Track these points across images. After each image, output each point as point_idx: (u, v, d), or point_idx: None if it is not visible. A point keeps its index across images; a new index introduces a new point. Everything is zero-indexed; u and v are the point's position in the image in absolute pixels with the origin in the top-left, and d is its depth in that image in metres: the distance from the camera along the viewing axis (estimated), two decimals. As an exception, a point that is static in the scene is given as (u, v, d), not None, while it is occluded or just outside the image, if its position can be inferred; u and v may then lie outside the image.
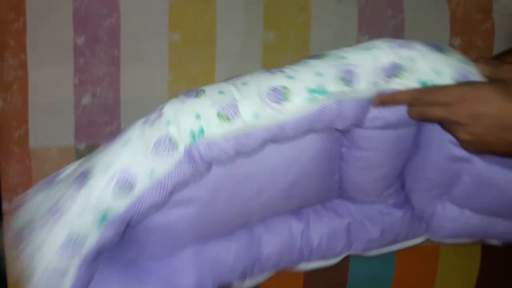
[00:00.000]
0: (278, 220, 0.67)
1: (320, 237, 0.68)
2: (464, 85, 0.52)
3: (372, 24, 0.83)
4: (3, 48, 0.81)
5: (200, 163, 0.51)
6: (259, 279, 0.68)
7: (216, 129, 0.50)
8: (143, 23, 0.81)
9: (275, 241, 0.66)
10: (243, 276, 0.65)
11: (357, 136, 0.59)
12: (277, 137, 0.53)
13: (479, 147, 0.53)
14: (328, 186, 0.66)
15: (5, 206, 0.82)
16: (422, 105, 0.53)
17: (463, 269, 0.85)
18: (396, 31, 0.83)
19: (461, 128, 0.52)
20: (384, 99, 0.54)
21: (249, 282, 0.67)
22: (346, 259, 0.83)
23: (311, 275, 0.84)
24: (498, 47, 0.82)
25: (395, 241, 0.70)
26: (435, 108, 0.52)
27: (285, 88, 0.52)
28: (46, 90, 0.81)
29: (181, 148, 0.50)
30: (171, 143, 0.50)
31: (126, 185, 0.49)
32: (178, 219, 0.59)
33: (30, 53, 0.81)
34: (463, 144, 0.54)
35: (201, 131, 0.50)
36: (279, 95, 0.51)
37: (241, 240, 0.65)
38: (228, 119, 0.50)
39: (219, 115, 0.51)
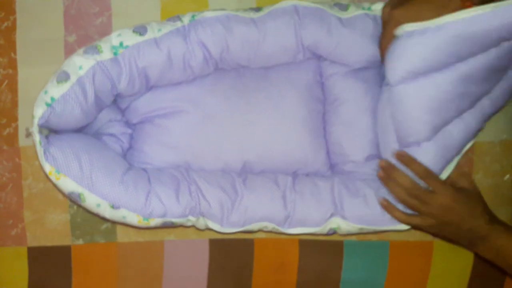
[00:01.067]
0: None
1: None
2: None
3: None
4: (-7, 46, 0.80)
5: (122, 59, 0.72)
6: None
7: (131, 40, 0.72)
8: (135, 22, 0.80)
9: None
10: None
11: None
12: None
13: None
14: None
15: (-6, 204, 0.82)
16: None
17: (456, 264, 0.85)
18: None
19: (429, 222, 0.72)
20: (403, 159, 0.72)
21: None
22: (340, 254, 0.83)
23: (304, 271, 0.83)
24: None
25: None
26: (420, 204, 0.71)
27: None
28: (36, 88, 0.80)
29: (106, 51, 0.71)
30: (97, 48, 0.71)
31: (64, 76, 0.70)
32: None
33: (20, 51, 0.81)
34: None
35: (121, 43, 0.72)
36: (175, 18, 0.75)
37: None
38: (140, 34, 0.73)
39: (133, 31, 0.73)
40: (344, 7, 0.77)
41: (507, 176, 0.85)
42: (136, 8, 0.81)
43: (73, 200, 0.73)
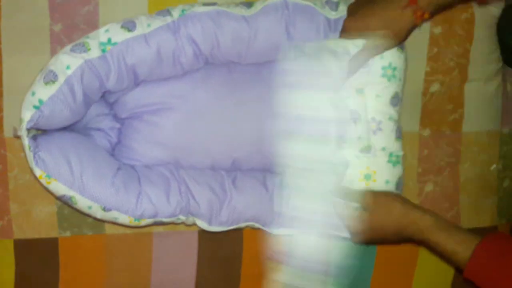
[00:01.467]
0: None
1: None
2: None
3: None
4: (-23, 35, 0.79)
5: (110, 57, 0.71)
6: None
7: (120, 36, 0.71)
8: (122, 10, 0.80)
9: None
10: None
11: None
12: None
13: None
14: None
15: (-21, 196, 0.81)
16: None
17: (440, 266, 0.86)
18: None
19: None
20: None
21: None
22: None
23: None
24: (478, 35, 0.82)
25: None
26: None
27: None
28: (22, 78, 0.79)
29: (94, 49, 0.70)
30: (84, 46, 0.69)
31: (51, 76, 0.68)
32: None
33: (5, 40, 0.79)
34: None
35: (109, 39, 0.70)
36: (165, 12, 0.73)
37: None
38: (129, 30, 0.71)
39: (122, 27, 0.71)
40: (335, 6, 0.75)
41: (494, 165, 0.86)
42: (123, -3, 0.80)
43: (65, 202, 0.72)
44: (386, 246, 0.84)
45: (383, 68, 0.73)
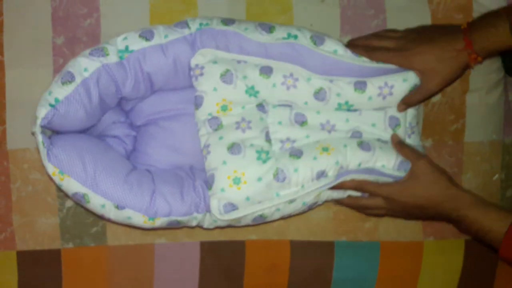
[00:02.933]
0: None
1: None
2: (393, 185, 0.74)
3: (354, 24, 0.83)
4: (-20, 48, 0.79)
5: (127, 64, 0.72)
6: None
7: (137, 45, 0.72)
8: (124, 23, 0.81)
9: None
10: None
11: None
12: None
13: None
14: None
15: (-18, 208, 0.81)
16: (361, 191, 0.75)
17: (447, 264, 0.86)
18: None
19: (387, 212, 0.77)
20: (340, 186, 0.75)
21: None
22: (331, 255, 0.84)
23: (295, 272, 0.84)
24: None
25: None
26: (369, 199, 0.76)
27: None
28: (24, 91, 0.80)
29: (112, 55, 0.71)
30: (103, 51, 0.71)
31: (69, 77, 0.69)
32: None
33: (7, 53, 0.80)
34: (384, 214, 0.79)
35: (127, 47, 0.72)
36: (183, 24, 0.74)
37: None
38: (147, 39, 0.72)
39: (139, 36, 0.72)
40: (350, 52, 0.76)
41: (496, 175, 0.86)
42: (125, 10, 0.81)
43: (77, 201, 0.72)
44: (389, 258, 0.84)
45: None
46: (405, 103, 0.76)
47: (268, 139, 0.74)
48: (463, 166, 0.85)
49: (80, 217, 0.81)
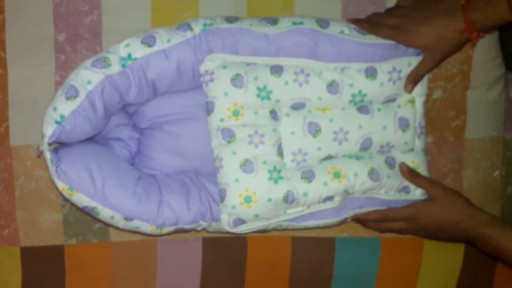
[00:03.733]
0: None
1: None
2: (413, 206, 0.77)
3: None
4: (-18, 45, 0.80)
5: (131, 72, 0.71)
6: None
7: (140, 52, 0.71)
8: (125, 20, 0.81)
9: None
10: None
11: None
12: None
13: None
14: None
15: (-15, 205, 0.82)
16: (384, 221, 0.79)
17: (447, 260, 0.86)
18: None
19: (410, 232, 0.80)
20: (359, 217, 0.78)
21: None
22: (332, 250, 0.84)
23: (297, 268, 0.84)
24: (481, 41, 0.82)
25: None
26: (392, 224, 0.78)
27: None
28: (26, 88, 0.80)
29: (115, 64, 0.70)
30: (105, 61, 0.70)
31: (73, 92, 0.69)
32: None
33: (9, 50, 0.80)
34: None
35: (129, 54, 0.71)
36: (185, 26, 0.73)
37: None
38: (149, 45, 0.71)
39: (141, 42, 0.71)
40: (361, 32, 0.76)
41: (497, 172, 0.86)
42: (126, 6, 0.80)
43: (87, 213, 0.73)
44: (389, 259, 0.85)
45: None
46: (412, 81, 0.77)
47: (280, 153, 0.74)
48: (464, 163, 0.85)
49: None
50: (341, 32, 0.75)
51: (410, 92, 0.77)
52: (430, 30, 0.73)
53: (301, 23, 0.74)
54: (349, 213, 0.78)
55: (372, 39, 0.75)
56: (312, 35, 0.74)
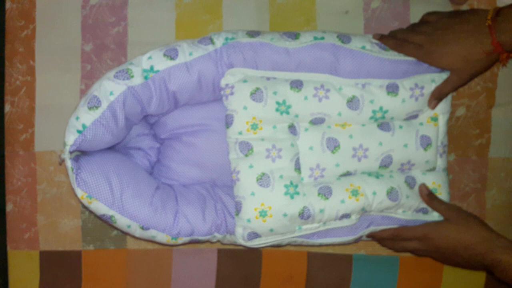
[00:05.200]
0: None
1: None
2: (428, 225, 0.75)
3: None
4: (12, 54, 0.83)
5: (152, 84, 0.72)
6: None
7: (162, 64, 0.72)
8: (150, 32, 0.83)
9: None
10: None
11: None
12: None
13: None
14: None
15: (8, 207, 0.84)
16: (398, 239, 0.77)
17: (468, 281, 0.83)
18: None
19: (425, 253, 0.77)
20: (373, 235, 0.77)
21: None
22: (349, 268, 0.83)
23: (312, 284, 0.83)
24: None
25: None
26: (406, 243, 0.76)
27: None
28: (53, 95, 0.83)
29: (137, 76, 0.71)
30: (128, 73, 0.71)
31: (95, 102, 0.70)
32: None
33: (38, 58, 0.83)
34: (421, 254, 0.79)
35: (152, 67, 0.72)
36: (207, 40, 0.74)
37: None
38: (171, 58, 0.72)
39: (164, 54, 0.72)
40: (383, 48, 0.75)
41: (522, 193, 0.83)
42: (152, 19, 0.83)
43: (105, 221, 0.75)
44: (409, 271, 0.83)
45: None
46: (436, 98, 0.75)
47: (297, 168, 0.74)
48: (487, 183, 0.82)
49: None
50: (363, 47, 0.74)
51: (433, 108, 0.76)
52: (456, 52, 0.71)
53: (322, 38, 0.74)
54: (365, 231, 0.76)
55: (394, 55, 0.74)
56: (333, 50, 0.73)
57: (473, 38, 0.70)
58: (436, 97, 0.75)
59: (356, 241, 0.78)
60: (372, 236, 0.77)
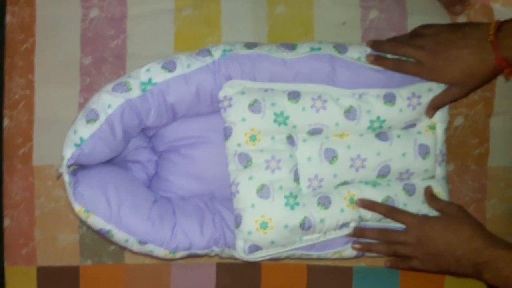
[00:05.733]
0: None
1: None
2: (425, 215, 0.74)
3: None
4: (12, 68, 0.83)
5: (151, 96, 0.72)
6: None
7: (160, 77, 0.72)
8: (149, 45, 0.83)
9: None
10: None
11: None
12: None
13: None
14: None
15: (6, 223, 0.83)
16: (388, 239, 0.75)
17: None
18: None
19: (415, 253, 0.74)
20: (364, 205, 0.74)
21: None
22: (349, 281, 0.82)
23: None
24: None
25: None
26: (399, 247, 0.74)
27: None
28: (51, 109, 0.83)
29: (135, 89, 0.71)
30: (126, 86, 0.71)
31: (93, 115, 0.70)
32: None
33: (37, 72, 0.83)
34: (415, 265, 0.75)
35: (150, 79, 0.72)
36: (205, 52, 0.74)
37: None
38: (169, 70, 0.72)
39: (162, 67, 0.72)
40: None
41: (523, 202, 0.83)
42: (151, 31, 0.83)
43: (102, 236, 0.74)
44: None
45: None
46: (434, 107, 0.75)
47: (296, 178, 0.74)
48: (487, 192, 0.82)
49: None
50: (359, 59, 0.75)
51: (431, 117, 0.76)
52: (458, 68, 0.71)
53: (319, 48, 0.75)
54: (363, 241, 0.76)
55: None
56: (330, 60, 0.74)
57: (477, 54, 0.69)
58: (435, 107, 0.75)
59: (357, 256, 0.77)
60: (361, 233, 0.75)
